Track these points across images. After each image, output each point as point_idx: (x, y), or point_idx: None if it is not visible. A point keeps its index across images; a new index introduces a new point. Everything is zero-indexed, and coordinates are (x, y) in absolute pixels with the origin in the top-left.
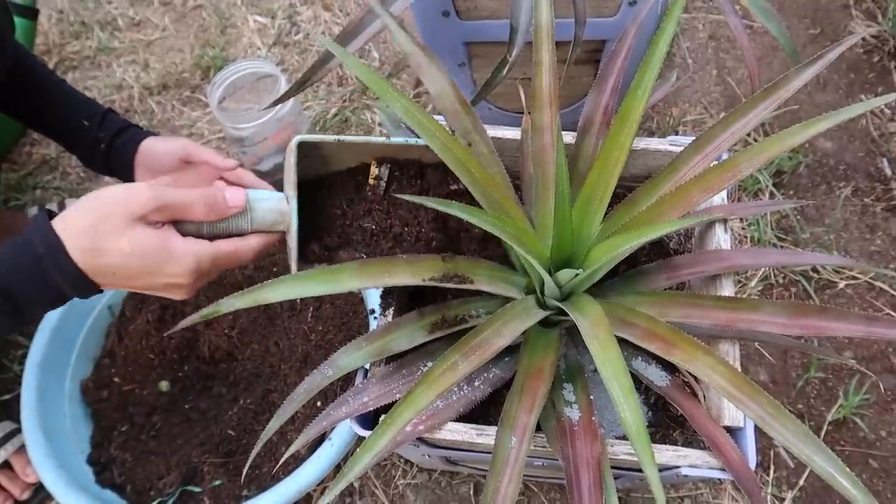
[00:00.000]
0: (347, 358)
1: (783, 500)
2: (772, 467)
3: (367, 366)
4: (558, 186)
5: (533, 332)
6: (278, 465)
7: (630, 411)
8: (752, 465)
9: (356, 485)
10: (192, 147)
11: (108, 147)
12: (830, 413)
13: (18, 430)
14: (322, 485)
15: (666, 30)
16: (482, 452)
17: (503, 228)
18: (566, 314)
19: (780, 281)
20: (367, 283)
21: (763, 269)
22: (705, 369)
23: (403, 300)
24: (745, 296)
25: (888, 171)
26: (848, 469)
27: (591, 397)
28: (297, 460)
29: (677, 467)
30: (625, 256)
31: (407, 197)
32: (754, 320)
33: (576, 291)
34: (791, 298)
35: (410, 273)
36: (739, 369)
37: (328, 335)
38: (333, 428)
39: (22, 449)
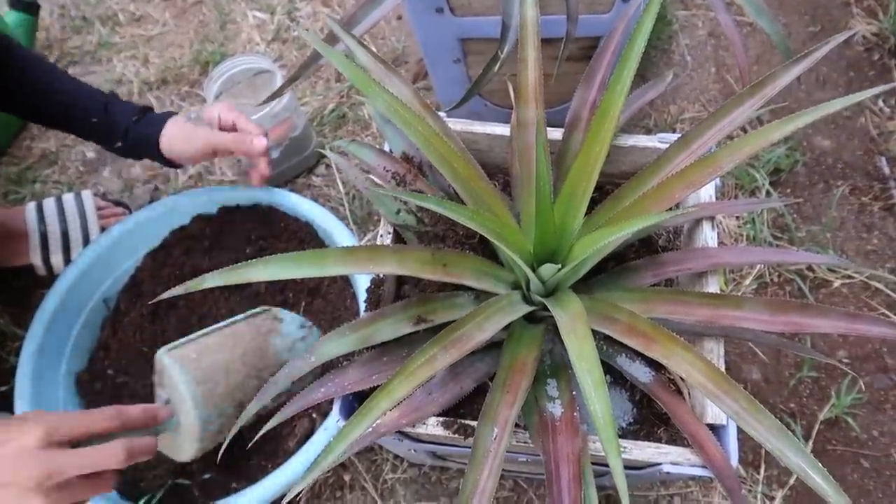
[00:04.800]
0: (330, 345)
1: (773, 498)
2: (762, 465)
3: None
4: (539, 181)
5: (517, 328)
6: (252, 443)
7: (599, 404)
8: (734, 462)
9: (346, 478)
10: (214, 142)
11: (125, 143)
12: (822, 412)
13: None
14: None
15: (644, 25)
16: (466, 448)
17: (483, 224)
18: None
19: (775, 279)
20: (352, 269)
21: (758, 268)
22: (684, 364)
23: (393, 290)
24: (738, 294)
25: (886, 170)
26: (821, 464)
27: (574, 393)
28: (287, 454)
29: (659, 464)
30: (607, 252)
31: (387, 192)
32: (737, 317)
33: (561, 287)
34: (785, 297)
35: (397, 262)
36: (724, 366)
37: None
38: (322, 422)
39: None
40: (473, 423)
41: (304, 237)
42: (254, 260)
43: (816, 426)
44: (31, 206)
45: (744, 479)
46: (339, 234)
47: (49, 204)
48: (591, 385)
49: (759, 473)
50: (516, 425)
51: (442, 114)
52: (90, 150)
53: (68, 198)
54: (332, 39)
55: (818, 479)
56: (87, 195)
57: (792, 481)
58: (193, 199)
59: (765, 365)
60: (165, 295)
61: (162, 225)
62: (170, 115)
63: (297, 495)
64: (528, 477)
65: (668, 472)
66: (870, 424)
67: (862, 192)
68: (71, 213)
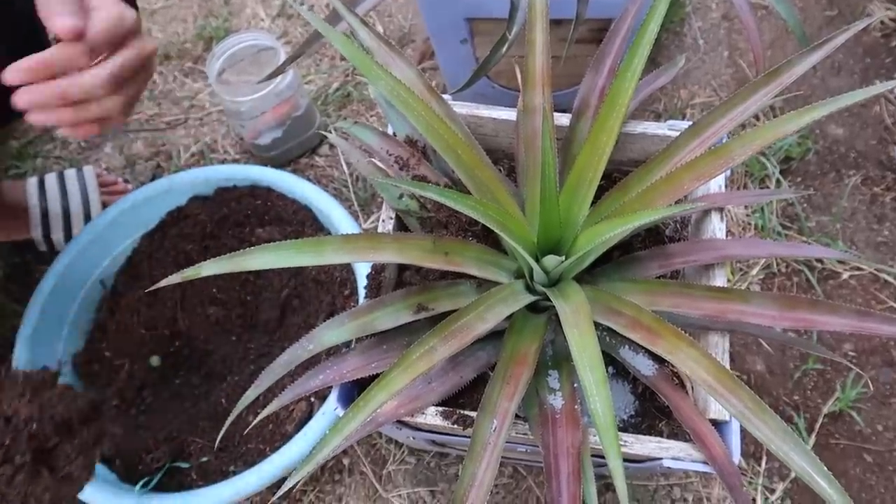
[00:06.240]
0: (329, 333)
1: (774, 490)
2: (763, 458)
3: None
4: (545, 170)
5: (519, 318)
6: (249, 428)
7: (601, 403)
8: (736, 459)
9: (346, 462)
10: None
11: None
12: (827, 406)
13: None
14: None
15: (658, 8)
16: (465, 437)
17: (485, 213)
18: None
19: (783, 270)
20: (352, 257)
21: (764, 259)
22: (688, 361)
23: (394, 276)
24: (745, 285)
25: None
26: (826, 468)
27: (576, 385)
28: (284, 437)
29: (660, 459)
30: (612, 244)
31: (388, 181)
32: (745, 312)
33: (565, 278)
34: (793, 288)
35: (397, 250)
36: (728, 361)
37: (319, 324)
38: (320, 405)
39: None
40: (473, 414)
41: (304, 220)
42: (251, 248)
43: (820, 420)
44: (32, 182)
45: (744, 470)
46: (339, 217)
47: (51, 179)
48: (592, 383)
49: (760, 465)
50: (516, 416)
51: (447, 96)
52: None
53: (70, 173)
54: (334, 17)
55: (823, 483)
56: (88, 171)
57: (793, 474)
58: (191, 180)
59: (769, 356)
60: (162, 283)
61: (159, 205)
62: None
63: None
64: (528, 464)
65: (668, 467)
66: (874, 419)
67: (874, 183)
68: (73, 189)
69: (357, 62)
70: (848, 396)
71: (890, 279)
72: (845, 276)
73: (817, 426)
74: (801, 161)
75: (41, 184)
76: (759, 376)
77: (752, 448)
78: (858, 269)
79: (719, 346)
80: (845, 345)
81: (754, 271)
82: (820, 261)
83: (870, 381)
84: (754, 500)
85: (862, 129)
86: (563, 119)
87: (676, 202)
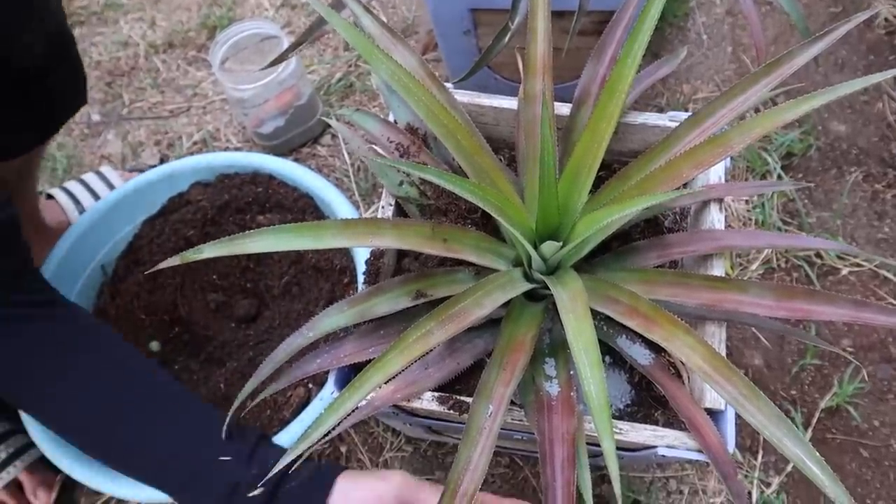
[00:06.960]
0: (328, 320)
1: (770, 484)
2: (760, 451)
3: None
4: (544, 156)
5: (517, 305)
6: (240, 412)
7: (595, 385)
8: (731, 448)
9: (343, 450)
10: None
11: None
12: (824, 400)
13: (31, 445)
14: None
15: None
16: (461, 423)
17: (484, 197)
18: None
19: (783, 265)
20: (351, 241)
21: (765, 253)
22: (684, 348)
23: (393, 262)
24: (745, 278)
25: None
26: (819, 454)
27: (572, 373)
28: (282, 423)
29: (654, 447)
30: (611, 231)
31: (387, 162)
32: (742, 301)
33: (563, 266)
34: (792, 283)
35: (397, 236)
36: (725, 351)
37: (319, 311)
38: (318, 391)
39: (33, 466)
40: (469, 400)
41: (305, 208)
42: (251, 231)
43: (817, 414)
44: (61, 196)
45: (741, 464)
46: (340, 205)
47: (74, 186)
48: (587, 366)
49: (756, 459)
50: (513, 403)
51: (449, 85)
52: (95, 113)
53: (90, 177)
54: (338, 5)
55: (815, 469)
56: (107, 170)
57: (789, 468)
58: (192, 166)
59: (767, 351)
60: (163, 265)
61: (160, 191)
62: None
63: (291, 466)
64: (525, 454)
65: (663, 456)
66: (871, 414)
67: (875, 179)
68: (99, 187)
69: (360, 47)
70: (845, 392)
71: (890, 275)
72: (845, 271)
73: (814, 421)
74: (803, 157)
75: (68, 193)
76: (756, 371)
77: (749, 442)
78: (858, 265)
79: (716, 336)
80: (843, 340)
81: (753, 266)
82: (819, 256)
83: (867, 377)
84: (750, 493)
85: (864, 126)
86: (563, 108)
87: (675, 191)
